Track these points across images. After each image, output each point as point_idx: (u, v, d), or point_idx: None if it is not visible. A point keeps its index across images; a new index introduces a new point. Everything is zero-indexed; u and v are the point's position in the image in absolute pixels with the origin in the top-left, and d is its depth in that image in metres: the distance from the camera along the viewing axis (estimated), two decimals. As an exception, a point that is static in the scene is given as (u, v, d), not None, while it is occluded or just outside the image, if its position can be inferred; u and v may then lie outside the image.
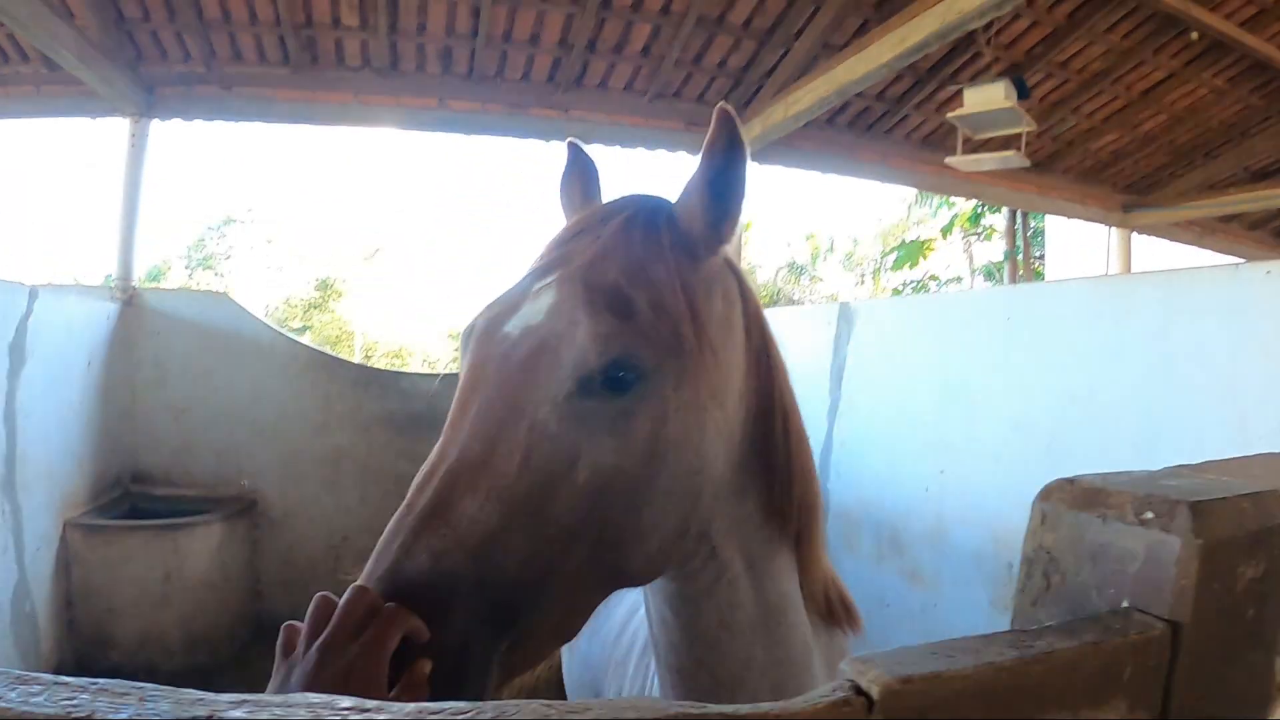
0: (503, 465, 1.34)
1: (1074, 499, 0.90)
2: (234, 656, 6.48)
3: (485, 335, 1.53)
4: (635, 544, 1.44)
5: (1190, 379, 4.13)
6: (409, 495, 1.34)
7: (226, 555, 6.54)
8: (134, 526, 6.26)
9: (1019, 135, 7.46)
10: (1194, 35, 8.32)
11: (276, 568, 7.00)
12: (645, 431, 1.43)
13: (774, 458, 1.69)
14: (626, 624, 2.59)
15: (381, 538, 1.31)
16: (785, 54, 8.01)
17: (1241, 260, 17.85)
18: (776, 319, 1.78)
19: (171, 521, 6.28)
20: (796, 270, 32.60)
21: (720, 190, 1.61)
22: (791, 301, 30.52)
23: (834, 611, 1.88)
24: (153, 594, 6.09)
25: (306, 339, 49.77)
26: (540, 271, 1.58)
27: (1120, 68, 9.01)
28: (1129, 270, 12.39)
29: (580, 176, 1.97)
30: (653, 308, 1.48)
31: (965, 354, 5.35)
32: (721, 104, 1.59)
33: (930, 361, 5.56)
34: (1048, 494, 0.93)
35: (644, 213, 1.66)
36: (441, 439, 1.41)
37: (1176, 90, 9.62)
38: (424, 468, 1.37)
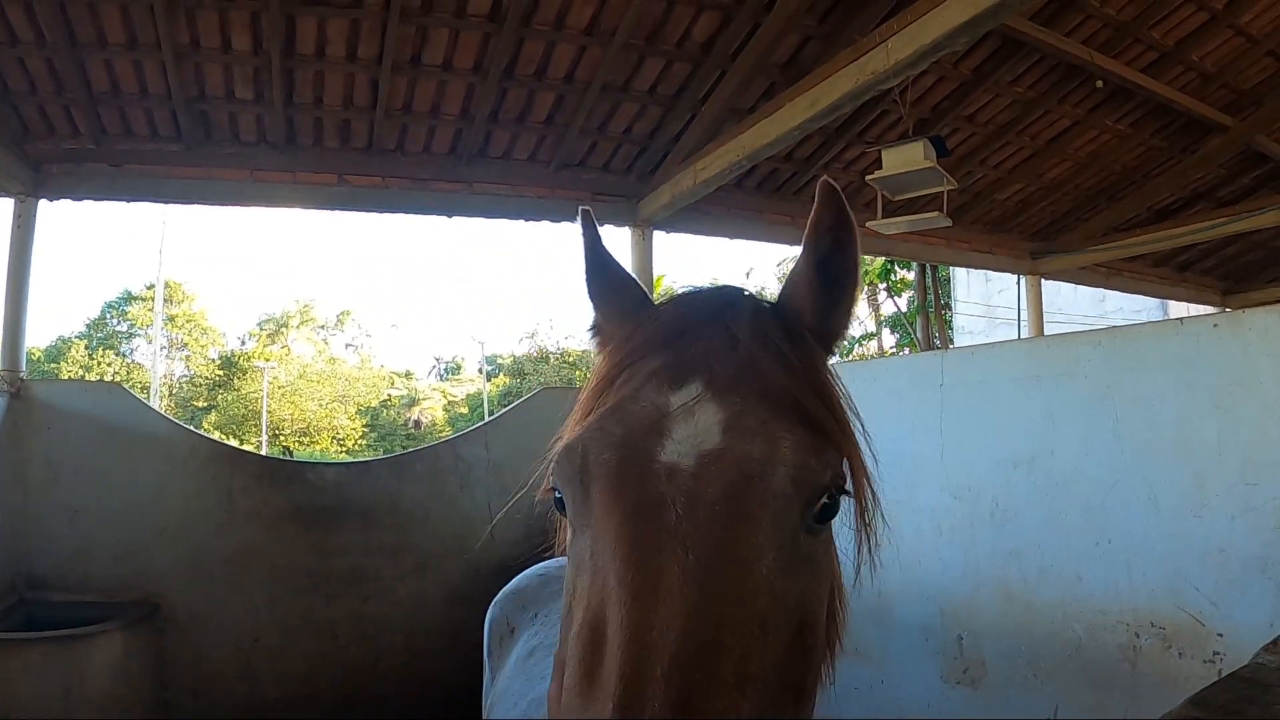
0: (742, 644, 1.09)
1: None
2: (144, 772, 6.00)
3: (636, 468, 1.25)
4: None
5: (1139, 437, 4.04)
6: (613, 693, 1.02)
7: (130, 665, 6.04)
8: (30, 639, 5.73)
9: (939, 194, 7.38)
10: (1099, 83, 8.43)
11: (184, 675, 6.48)
12: (827, 569, 1.31)
13: None
14: None
15: None
16: (692, 119, 7.90)
17: (1153, 299, 18.32)
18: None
19: (70, 632, 5.77)
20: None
21: (830, 275, 1.45)
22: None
23: None
24: (53, 711, 5.57)
25: (211, 417, 48.85)
26: (668, 382, 1.35)
27: (1026, 118, 9.14)
28: (1041, 318, 12.56)
29: (605, 254, 1.70)
30: (835, 419, 1.37)
31: (899, 422, 5.19)
32: (825, 178, 1.42)
33: (862, 430, 5.37)
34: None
35: (755, 304, 1.50)
36: (622, 609, 1.10)
37: (1081, 137, 9.80)
38: (618, 653, 1.06)
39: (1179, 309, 17.78)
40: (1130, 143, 10.14)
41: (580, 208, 1.69)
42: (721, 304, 1.48)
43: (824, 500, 1.23)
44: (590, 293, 1.66)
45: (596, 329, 1.67)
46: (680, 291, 1.63)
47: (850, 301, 1.49)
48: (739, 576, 1.12)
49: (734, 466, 1.20)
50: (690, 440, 1.24)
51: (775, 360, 1.35)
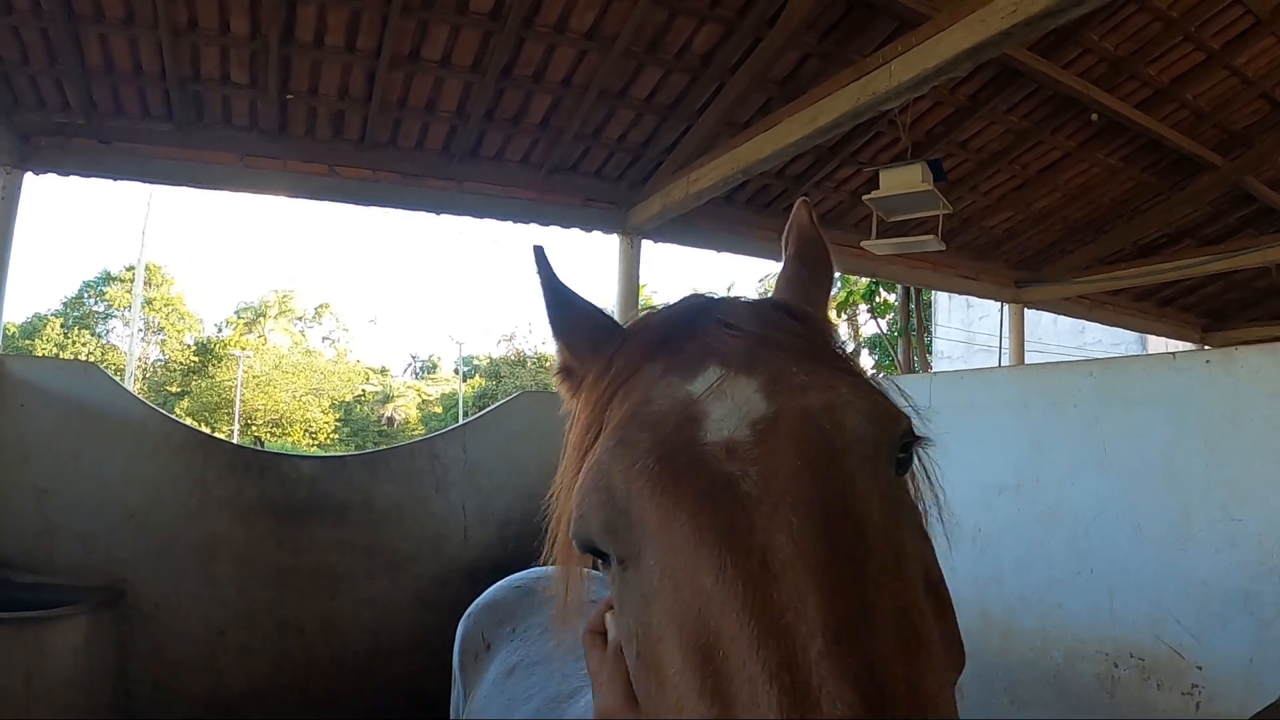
0: (892, 601, 0.95)
1: None
2: (102, 763, 5.90)
3: (685, 458, 1.07)
4: None
5: (1126, 468, 4.04)
6: (766, 690, 0.85)
7: (93, 651, 5.91)
8: (-8, 618, 5.64)
9: (935, 218, 7.39)
10: (1094, 116, 8.48)
11: (146, 665, 6.34)
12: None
13: None
14: None
15: None
16: (687, 130, 7.87)
17: (1133, 333, 18.46)
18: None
19: (33, 614, 5.65)
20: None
21: (811, 259, 1.50)
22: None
23: None
24: (13, 697, 5.44)
25: (184, 403, 48.50)
26: (678, 377, 1.19)
27: (1018, 147, 9.17)
28: (1022, 346, 12.62)
29: (565, 289, 1.55)
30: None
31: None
32: (803, 199, 1.47)
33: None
34: None
35: (738, 298, 1.42)
36: (737, 602, 0.92)
37: (1071, 169, 9.85)
38: (753, 651, 0.88)
39: (1158, 344, 17.92)
40: (1120, 177, 10.19)
41: (533, 245, 1.56)
42: (704, 304, 1.37)
43: (903, 442, 1.12)
44: (555, 330, 1.52)
45: (565, 371, 1.50)
46: (647, 311, 1.50)
47: (829, 284, 1.47)
48: (855, 531, 0.98)
49: (798, 422, 1.07)
50: (735, 415, 1.10)
51: (786, 332, 1.25)
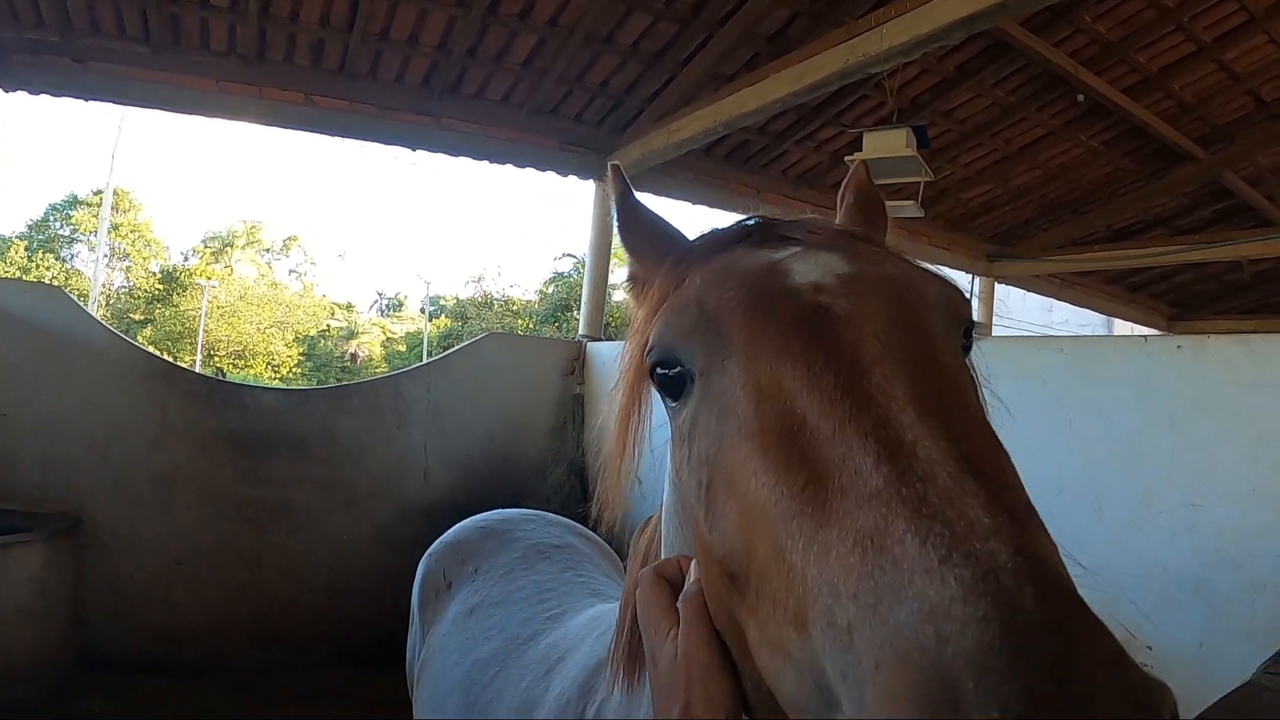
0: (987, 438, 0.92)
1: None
2: (55, 691, 5.79)
3: (777, 290, 1.08)
4: None
5: (1091, 447, 4.04)
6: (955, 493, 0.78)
7: (49, 580, 5.83)
8: (-54, 545, 5.56)
9: (915, 185, 7.36)
10: (1080, 97, 8.46)
11: (103, 595, 6.27)
12: None
13: None
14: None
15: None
16: (671, 80, 7.79)
17: (1101, 315, 18.61)
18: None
19: (-11, 540, 5.59)
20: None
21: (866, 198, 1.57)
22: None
23: None
24: (-33, 620, 5.41)
25: (147, 331, 47.95)
26: (761, 247, 1.21)
27: (1002, 121, 9.17)
28: (991, 319, 12.67)
29: (638, 203, 1.58)
30: None
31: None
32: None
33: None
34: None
35: None
36: (838, 390, 0.91)
37: (1053, 148, 9.88)
38: (884, 429, 0.86)
39: (1125, 329, 18.06)
40: (1100, 160, 10.23)
41: (610, 163, 1.61)
42: (772, 219, 1.36)
43: (966, 327, 1.12)
44: (625, 242, 1.54)
45: (633, 280, 1.53)
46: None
47: (884, 234, 1.47)
48: (936, 363, 0.98)
49: (880, 280, 1.08)
50: (820, 269, 1.11)
51: (859, 232, 1.29)
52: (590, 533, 3.63)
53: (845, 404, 0.90)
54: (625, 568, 1.86)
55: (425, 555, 3.52)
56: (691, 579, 1.17)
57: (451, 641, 2.84)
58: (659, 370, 1.17)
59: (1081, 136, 9.61)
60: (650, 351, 1.19)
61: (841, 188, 1.58)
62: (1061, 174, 10.50)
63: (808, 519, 0.84)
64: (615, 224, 1.57)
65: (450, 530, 3.60)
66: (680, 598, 1.16)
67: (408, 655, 3.44)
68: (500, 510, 3.77)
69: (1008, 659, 0.64)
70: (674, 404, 1.17)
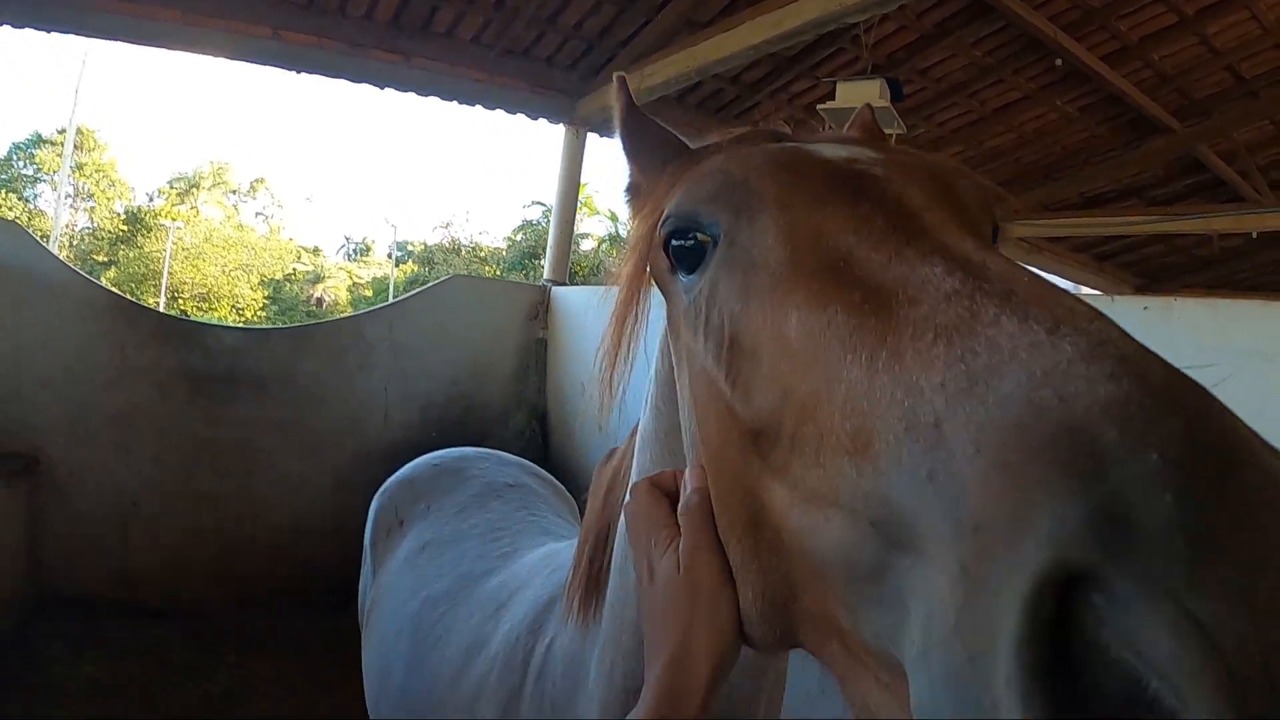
0: None
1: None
2: (11, 634, 5.70)
3: (810, 158, 1.06)
4: None
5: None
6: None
7: (4, 520, 5.76)
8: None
9: (889, 138, 7.31)
10: (1058, 62, 8.42)
11: (59, 538, 6.17)
12: None
13: None
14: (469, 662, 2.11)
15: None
16: (646, 24, 7.67)
17: (1068, 282, 18.70)
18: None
19: (-58, 479, 5.49)
20: (621, 245, 32.86)
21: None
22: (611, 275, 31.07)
23: None
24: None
25: (111, 273, 47.33)
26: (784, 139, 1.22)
27: (979, 82, 9.14)
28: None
29: (641, 114, 1.56)
30: None
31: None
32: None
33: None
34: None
35: None
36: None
37: (1029, 112, 9.86)
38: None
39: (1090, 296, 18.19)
40: (1076, 126, 10.24)
41: (615, 74, 1.58)
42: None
43: (995, 223, 1.11)
44: (627, 148, 1.51)
45: (633, 188, 1.49)
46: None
47: None
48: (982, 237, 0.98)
49: (914, 161, 1.06)
50: (852, 151, 1.08)
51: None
52: (546, 474, 3.61)
53: (898, 236, 0.87)
54: (584, 503, 1.80)
55: (379, 493, 3.50)
56: (690, 488, 1.12)
57: (403, 579, 2.82)
58: (674, 241, 1.12)
59: (1058, 102, 9.59)
60: (666, 221, 1.14)
61: (846, 127, 1.54)
62: (1036, 138, 10.50)
63: (869, 331, 0.79)
64: (618, 132, 1.54)
65: (404, 468, 3.57)
66: (680, 508, 1.12)
67: (360, 594, 3.41)
68: (456, 448, 3.74)
69: (1151, 408, 0.57)
70: (688, 278, 1.11)
